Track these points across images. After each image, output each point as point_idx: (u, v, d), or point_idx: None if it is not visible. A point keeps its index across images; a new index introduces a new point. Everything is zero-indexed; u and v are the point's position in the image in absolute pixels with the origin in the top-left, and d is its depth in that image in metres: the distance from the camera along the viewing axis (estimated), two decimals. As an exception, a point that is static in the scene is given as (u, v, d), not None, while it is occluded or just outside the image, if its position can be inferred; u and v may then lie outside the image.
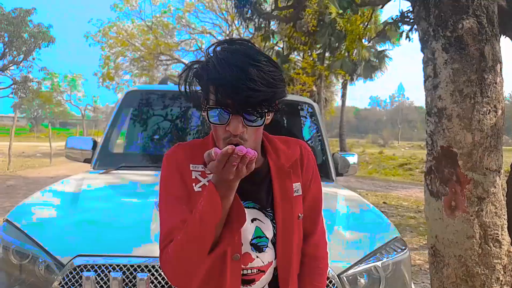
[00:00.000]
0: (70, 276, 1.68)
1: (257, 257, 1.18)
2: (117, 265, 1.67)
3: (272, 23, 13.49)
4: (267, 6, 12.43)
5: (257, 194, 1.20)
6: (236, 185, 1.01)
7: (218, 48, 1.09)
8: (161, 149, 3.24)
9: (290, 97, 3.64)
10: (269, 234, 1.20)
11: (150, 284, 1.66)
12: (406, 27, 6.72)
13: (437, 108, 2.29)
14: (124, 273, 1.66)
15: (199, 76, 1.08)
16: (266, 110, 1.05)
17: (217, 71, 1.02)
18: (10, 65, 26.09)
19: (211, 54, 1.08)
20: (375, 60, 23.82)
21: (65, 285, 1.68)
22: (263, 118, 1.06)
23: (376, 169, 19.33)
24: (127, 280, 1.66)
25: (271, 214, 1.21)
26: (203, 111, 1.11)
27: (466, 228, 2.24)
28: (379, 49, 23.69)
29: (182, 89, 1.12)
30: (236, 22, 17.43)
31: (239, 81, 1.00)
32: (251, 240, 1.18)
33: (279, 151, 1.25)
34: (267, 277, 1.21)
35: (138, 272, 1.66)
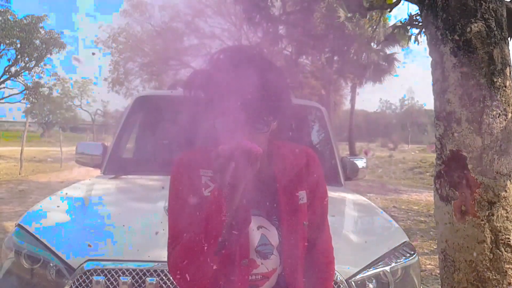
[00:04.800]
0: (80, 280, 1.70)
1: (261, 263, 1.18)
2: (127, 270, 1.69)
3: (280, 27, 13.52)
4: (276, 11, 12.46)
5: (263, 202, 1.20)
6: (242, 186, 1.00)
7: (222, 56, 1.10)
8: (171, 154, 3.25)
9: (298, 101, 3.64)
10: (274, 241, 1.20)
11: (159, 288, 1.67)
12: (415, 30, 6.68)
13: (446, 112, 2.28)
14: (133, 277, 1.68)
15: (203, 85, 1.09)
16: (271, 118, 1.06)
17: (221, 81, 1.03)
18: (21, 71, 26.43)
19: (216, 63, 1.09)
20: (384, 63, 23.68)
21: (75, 289, 1.70)
22: (269, 126, 1.07)
23: (386, 172, 19.20)
24: (136, 285, 1.68)
25: (277, 222, 1.21)
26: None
27: (476, 233, 2.21)
28: (388, 52, 23.56)
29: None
30: (244, 26, 17.50)
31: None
32: (256, 247, 1.18)
33: (285, 159, 1.25)
34: (271, 283, 1.22)
35: (147, 276, 1.68)
